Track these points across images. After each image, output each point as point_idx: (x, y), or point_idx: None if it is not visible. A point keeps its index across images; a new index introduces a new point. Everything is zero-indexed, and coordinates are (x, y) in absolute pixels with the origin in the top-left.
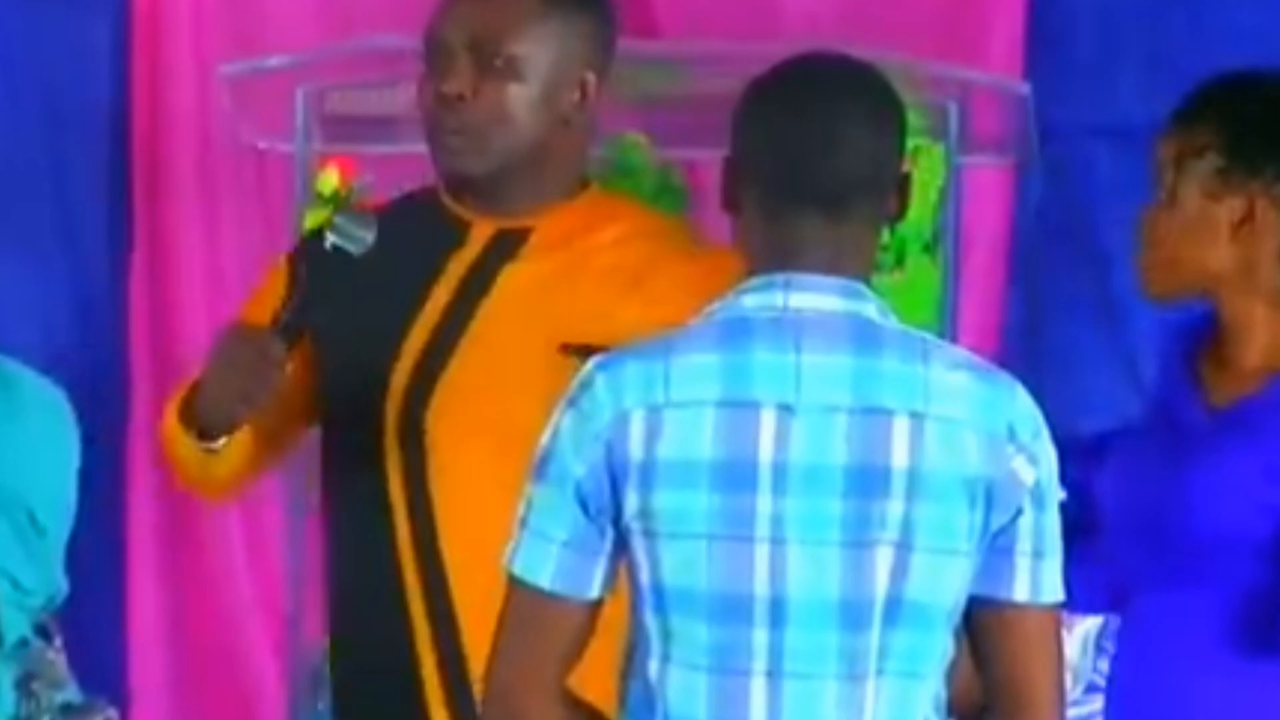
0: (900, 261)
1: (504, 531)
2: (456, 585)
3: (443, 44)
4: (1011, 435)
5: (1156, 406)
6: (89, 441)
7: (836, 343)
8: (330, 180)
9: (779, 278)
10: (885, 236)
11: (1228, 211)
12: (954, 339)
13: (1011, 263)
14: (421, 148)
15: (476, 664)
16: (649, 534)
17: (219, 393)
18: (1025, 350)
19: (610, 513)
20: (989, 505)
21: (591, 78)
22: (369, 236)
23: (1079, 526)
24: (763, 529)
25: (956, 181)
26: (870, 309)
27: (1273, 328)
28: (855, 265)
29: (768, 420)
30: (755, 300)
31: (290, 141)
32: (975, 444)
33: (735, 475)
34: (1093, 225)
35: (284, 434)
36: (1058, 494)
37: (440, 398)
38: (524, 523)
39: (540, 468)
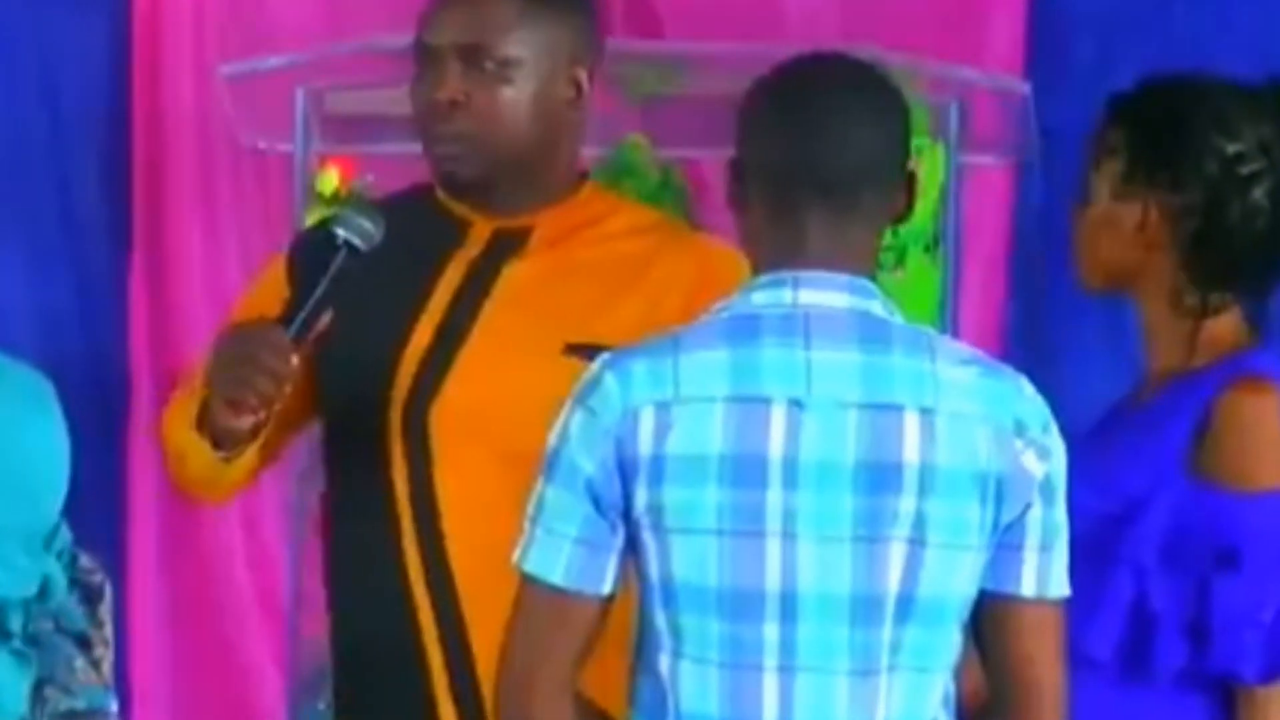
0: (901, 261)
1: (509, 532)
2: (463, 586)
3: (432, 50)
4: (1020, 429)
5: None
6: (87, 440)
7: (845, 339)
8: (330, 180)
9: (787, 275)
10: (886, 236)
11: (1130, 214)
12: (954, 338)
13: (1012, 263)
14: (421, 148)
15: (484, 664)
16: (659, 529)
17: (233, 393)
18: (1026, 352)
19: (620, 508)
20: (999, 500)
21: (584, 74)
22: (378, 231)
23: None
24: (774, 524)
25: (957, 181)
26: (876, 305)
27: (1174, 332)
28: (861, 262)
29: (778, 415)
30: (764, 297)
31: (290, 142)
32: (985, 439)
33: (745, 470)
34: None
35: (285, 434)
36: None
37: (444, 399)
38: (534, 520)
39: (550, 466)
